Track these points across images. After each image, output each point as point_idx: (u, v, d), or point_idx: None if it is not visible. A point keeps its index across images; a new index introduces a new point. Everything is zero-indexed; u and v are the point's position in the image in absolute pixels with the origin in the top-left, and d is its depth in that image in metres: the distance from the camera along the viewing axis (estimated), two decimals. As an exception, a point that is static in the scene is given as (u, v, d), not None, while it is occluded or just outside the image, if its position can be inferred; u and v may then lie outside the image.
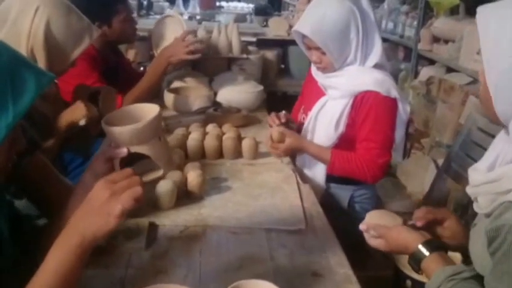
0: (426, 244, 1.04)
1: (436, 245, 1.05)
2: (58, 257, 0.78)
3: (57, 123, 1.56)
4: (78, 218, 0.81)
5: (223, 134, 1.80)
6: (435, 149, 3.12)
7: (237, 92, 2.28)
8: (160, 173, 0.99)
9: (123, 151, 0.94)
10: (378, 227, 1.12)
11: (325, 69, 1.71)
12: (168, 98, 2.25)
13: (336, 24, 1.59)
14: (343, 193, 1.82)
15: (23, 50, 1.41)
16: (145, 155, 0.96)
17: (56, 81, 2.07)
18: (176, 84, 2.43)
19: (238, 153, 1.74)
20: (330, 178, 1.78)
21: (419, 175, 3.12)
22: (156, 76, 2.09)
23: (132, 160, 0.96)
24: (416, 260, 1.04)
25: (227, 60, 2.68)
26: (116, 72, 2.28)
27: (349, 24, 1.61)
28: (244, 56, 2.68)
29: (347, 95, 1.68)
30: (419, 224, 1.11)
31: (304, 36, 1.66)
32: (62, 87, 2.01)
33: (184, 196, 1.41)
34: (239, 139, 1.76)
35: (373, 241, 1.14)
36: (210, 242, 1.23)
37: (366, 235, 1.15)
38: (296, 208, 1.40)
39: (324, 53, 1.64)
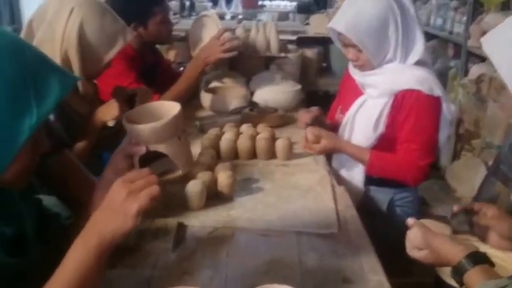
0: (470, 257, 0.98)
1: (480, 258, 0.99)
2: (77, 256, 0.78)
3: (91, 122, 1.57)
4: (97, 219, 0.81)
5: (258, 134, 1.76)
6: (486, 151, 2.98)
7: (274, 92, 2.25)
8: (178, 173, 0.98)
9: (142, 149, 0.93)
10: (423, 229, 1.08)
11: (362, 67, 1.65)
12: (205, 98, 2.25)
13: (372, 20, 1.53)
14: (382, 196, 1.75)
15: (57, 51, 1.42)
16: (165, 154, 0.95)
17: (94, 81, 2.11)
18: (214, 84, 2.42)
19: (271, 154, 1.70)
20: (369, 180, 1.71)
21: (469, 178, 2.99)
22: (193, 77, 2.08)
23: (152, 158, 0.95)
24: (459, 273, 0.99)
25: (265, 60, 2.64)
26: (154, 72, 2.29)
27: (387, 20, 1.54)
28: (283, 54, 2.64)
29: (386, 93, 1.61)
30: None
31: (340, 33, 1.60)
32: (101, 87, 2.04)
33: (214, 197, 1.39)
34: (273, 139, 1.72)
35: (414, 252, 1.09)
36: (238, 244, 1.20)
37: (407, 244, 1.11)
38: (329, 211, 1.35)
39: (360, 51, 1.58)
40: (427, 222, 1.18)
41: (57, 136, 1.24)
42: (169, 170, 0.99)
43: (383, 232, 1.37)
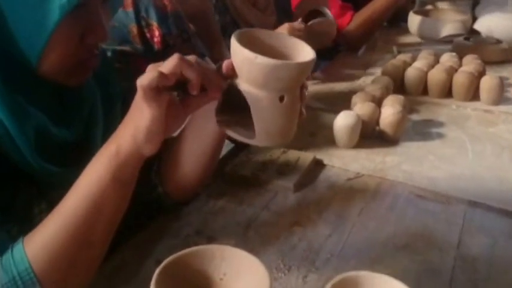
0: None
1: None
2: (92, 170, 0.60)
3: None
4: (120, 125, 0.62)
5: (460, 67, 1.35)
6: None
7: (504, 19, 1.73)
8: (251, 138, 0.67)
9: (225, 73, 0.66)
10: None
11: None
12: (413, 20, 1.87)
13: None
14: None
15: None
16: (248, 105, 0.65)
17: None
18: (429, 6, 2.00)
19: (472, 95, 1.29)
20: None
21: None
22: None
23: (235, 105, 0.66)
24: None
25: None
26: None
27: None
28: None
29: None
30: None
31: None
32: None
33: (374, 136, 1.09)
34: (479, 76, 1.29)
35: None
36: (380, 201, 0.90)
37: None
38: (530, 181, 0.94)
39: None
40: None
41: (193, 44, 1.07)
42: (245, 129, 0.68)
43: None
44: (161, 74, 0.56)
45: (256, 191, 0.93)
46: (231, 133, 0.67)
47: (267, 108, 0.63)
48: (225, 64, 0.65)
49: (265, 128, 0.64)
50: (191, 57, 0.60)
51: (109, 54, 0.94)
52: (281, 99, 0.63)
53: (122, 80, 0.83)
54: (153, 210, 0.88)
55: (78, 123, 0.71)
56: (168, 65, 0.57)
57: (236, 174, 0.96)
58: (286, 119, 0.65)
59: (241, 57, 0.61)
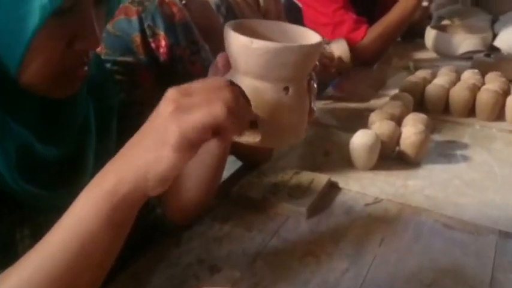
0: None
1: None
2: (83, 204, 0.50)
3: None
4: (126, 148, 0.51)
5: (483, 85, 1.27)
6: None
7: (527, 35, 1.66)
8: (256, 139, 0.58)
9: (220, 68, 0.58)
10: None
11: None
12: (430, 36, 1.80)
13: None
14: None
15: None
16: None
17: (299, 4, 1.85)
18: (447, 21, 1.93)
19: (498, 114, 1.21)
20: None
21: None
22: (410, 6, 1.63)
23: None
24: None
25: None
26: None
27: None
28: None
29: None
30: None
31: None
32: (305, 11, 1.78)
33: (393, 157, 1.01)
34: (504, 95, 1.21)
35: None
36: (404, 231, 0.82)
37: None
38: None
39: None
40: None
41: (203, 58, 1.00)
42: (249, 130, 0.59)
43: None
44: (202, 128, 0.46)
45: (265, 216, 0.85)
46: (236, 139, 0.58)
47: (271, 102, 0.55)
48: (220, 58, 0.57)
49: (270, 126, 0.55)
50: (237, 102, 0.49)
51: (108, 65, 0.87)
52: (286, 90, 0.55)
53: (121, 93, 0.76)
54: (152, 233, 0.80)
55: (68, 140, 0.63)
56: (212, 113, 0.46)
57: (244, 196, 0.89)
58: (293, 114, 0.57)
59: (236, 46, 0.54)
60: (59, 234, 0.49)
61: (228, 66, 0.57)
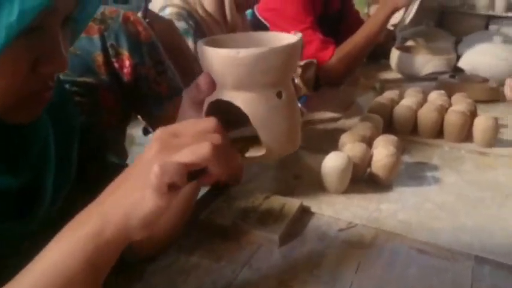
0: None
1: None
2: (60, 246, 0.46)
3: None
4: (110, 189, 0.48)
5: (450, 106, 1.28)
6: None
7: (489, 58, 1.69)
8: (260, 152, 0.56)
9: (205, 89, 0.55)
10: None
11: None
12: (395, 57, 1.82)
13: None
14: None
15: None
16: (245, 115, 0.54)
17: (267, 24, 1.84)
18: (411, 42, 1.96)
19: (466, 136, 1.21)
20: None
21: None
22: (376, 26, 1.64)
23: (229, 122, 0.56)
24: None
25: (485, 19, 2.06)
26: (337, 19, 1.92)
27: None
28: (511, 14, 2.02)
29: None
30: None
31: None
32: (273, 31, 1.76)
33: (365, 180, 1.00)
34: (472, 116, 1.22)
35: None
36: (379, 257, 0.79)
37: None
38: (540, 234, 0.85)
39: None
40: None
41: (169, 78, 0.97)
42: (251, 141, 0.58)
43: None
44: (184, 168, 0.45)
45: (236, 244, 0.81)
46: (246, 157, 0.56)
47: (268, 111, 0.53)
48: (202, 79, 0.54)
49: (271, 136, 0.54)
50: (222, 142, 0.47)
51: (67, 86, 0.82)
52: (279, 95, 0.54)
53: (82, 115, 0.71)
54: (113, 267, 0.75)
55: (24, 167, 0.58)
56: (198, 154, 0.45)
57: (213, 224, 0.84)
58: (290, 119, 0.55)
59: (221, 60, 0.52)
60: (32, 277, 0.45)
61: (212, 85, 0.54)
